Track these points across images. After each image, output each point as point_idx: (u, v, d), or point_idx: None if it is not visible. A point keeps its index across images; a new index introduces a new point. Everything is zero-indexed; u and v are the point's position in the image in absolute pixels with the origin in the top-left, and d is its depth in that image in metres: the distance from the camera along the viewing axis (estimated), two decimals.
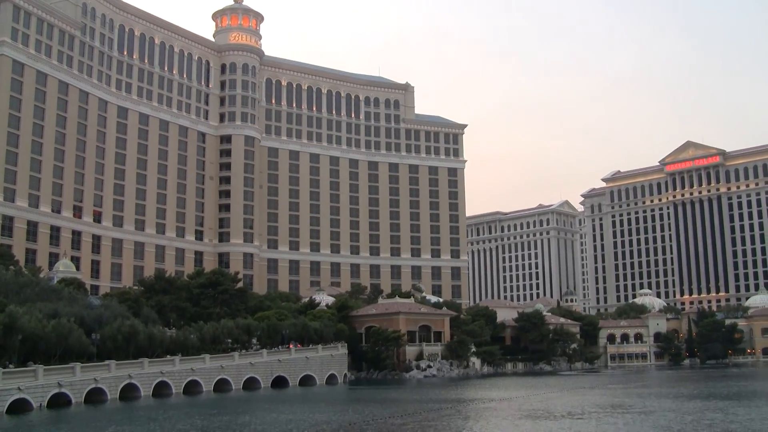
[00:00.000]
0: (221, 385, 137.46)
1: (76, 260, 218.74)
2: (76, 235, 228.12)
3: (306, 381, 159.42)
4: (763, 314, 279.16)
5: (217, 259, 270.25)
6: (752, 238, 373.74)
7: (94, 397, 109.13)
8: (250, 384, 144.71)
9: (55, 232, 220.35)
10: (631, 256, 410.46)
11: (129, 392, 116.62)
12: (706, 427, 62.88)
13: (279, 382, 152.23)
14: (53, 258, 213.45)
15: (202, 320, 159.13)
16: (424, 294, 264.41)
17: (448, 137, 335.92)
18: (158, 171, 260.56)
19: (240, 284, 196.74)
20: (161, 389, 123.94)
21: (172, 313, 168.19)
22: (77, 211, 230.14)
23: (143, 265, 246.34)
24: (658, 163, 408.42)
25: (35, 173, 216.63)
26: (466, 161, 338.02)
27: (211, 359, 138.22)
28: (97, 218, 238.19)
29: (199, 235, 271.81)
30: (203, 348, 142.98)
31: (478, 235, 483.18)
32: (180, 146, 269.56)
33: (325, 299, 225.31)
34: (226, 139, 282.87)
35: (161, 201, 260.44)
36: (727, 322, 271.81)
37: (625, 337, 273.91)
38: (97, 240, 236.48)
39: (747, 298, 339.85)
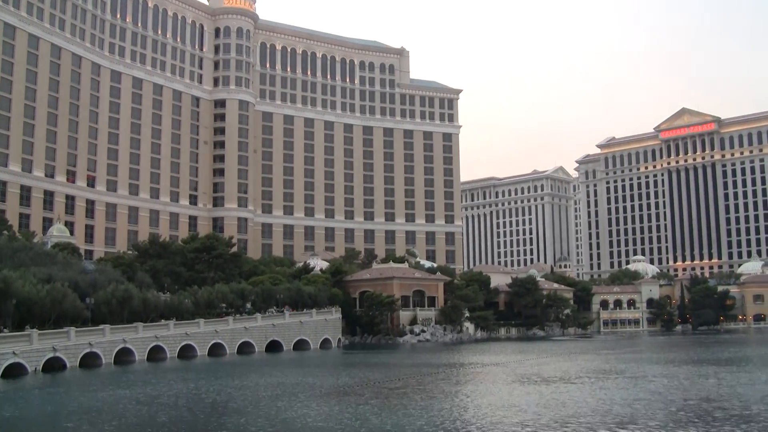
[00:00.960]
0: (215, 350, 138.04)
1: (70, 225, 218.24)
2: (70, 199, 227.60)
3: (300, 345, 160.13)
4: (755, 281, 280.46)
5: (211, 223, 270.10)
6: (745, 205, 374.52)
7: (89, 361, 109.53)
8: (245, 348, 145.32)
9: (48, 197, 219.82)
10: (625, 223, 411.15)
11: (123, 356, 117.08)
12: (696, 392, 63.34)
13: (273, 347, 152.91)
14: (47, 223, 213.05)
15: (196, 285, 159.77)
16: (418, 259, 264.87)
17: (443, 102, 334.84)
18: (152, 135, 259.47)
19: (234, 249, 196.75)
20: (156, 353, 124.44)
21: (166, 278, 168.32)
22: (71, 176, 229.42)
23: (137, 229, 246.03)
24: (653, 130, 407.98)
25: (28, 138, 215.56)
26: (461, 126, 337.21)
27: (206, 324, 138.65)
28: (91, 183, 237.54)
29: (193, 200, 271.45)
30: (198, 312, 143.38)
31: (473, 200, 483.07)
32: (174, 110, 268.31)
33: (319, 264, 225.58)
34: (221, 103, 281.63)
35: (155, 165, 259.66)
36: (720, 288, 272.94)
37: (618, 303, 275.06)
38: (91, 205, 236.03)
39: (739, 265, 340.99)
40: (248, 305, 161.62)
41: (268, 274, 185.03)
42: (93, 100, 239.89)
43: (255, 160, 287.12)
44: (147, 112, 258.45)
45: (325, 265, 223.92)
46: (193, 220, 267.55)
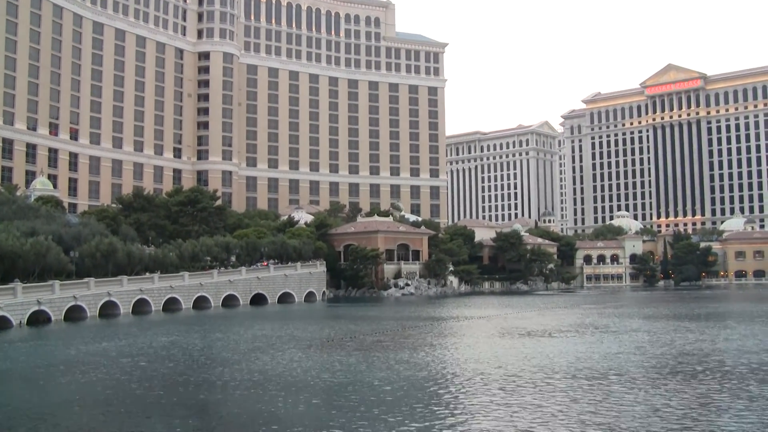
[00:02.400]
0: (200, 303, 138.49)
1: (53, 178, 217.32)
2: (53, 152, 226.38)
3: (284, 298, 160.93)
4: (737, 238, 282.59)
5: (195, 176, 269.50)
6: (729, 162, 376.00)
7: (74, 314, 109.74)
8: (229, 301, 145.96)
9: (31, 150, 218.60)
10: (609, 178, 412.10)
11: (108, 310, 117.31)
12: (677, 347, 64.14)
13: (257, 300, 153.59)
14: (30, 176, 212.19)
15: (180, 238, 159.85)
16: (402, 213, 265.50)
17: (428, 56, 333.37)
18: (135, 88, 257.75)
19: (218, 202, 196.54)
20: (140, 307, 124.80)
21: (150, 231, 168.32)
22: (53, 129, 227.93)
23: (121, 182, 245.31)
24: (639, 86, 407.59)
25: (9, 90, 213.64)
26: (446, 80, 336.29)
27: (190, 277, 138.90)
28: (74, 136, 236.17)
29: (177, 153, 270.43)
30: (182, 266, 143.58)
31: (458, 154, 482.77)
32: (157, 63, 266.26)
33: (303, 217, 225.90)
34: (205, 55, 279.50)
35: (139, 118, 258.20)
36: (702, 245, 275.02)
37: (601, 258, 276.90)
38: (74, 158, 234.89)
39: (722, 222, 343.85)
40: (233, 258, 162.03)
41: (253, 228, 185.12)
42: (75, 52, 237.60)
43: (239, 113, 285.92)
44: (130, 65, 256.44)
45: (309, 218, 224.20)
46: (177, 174, 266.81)
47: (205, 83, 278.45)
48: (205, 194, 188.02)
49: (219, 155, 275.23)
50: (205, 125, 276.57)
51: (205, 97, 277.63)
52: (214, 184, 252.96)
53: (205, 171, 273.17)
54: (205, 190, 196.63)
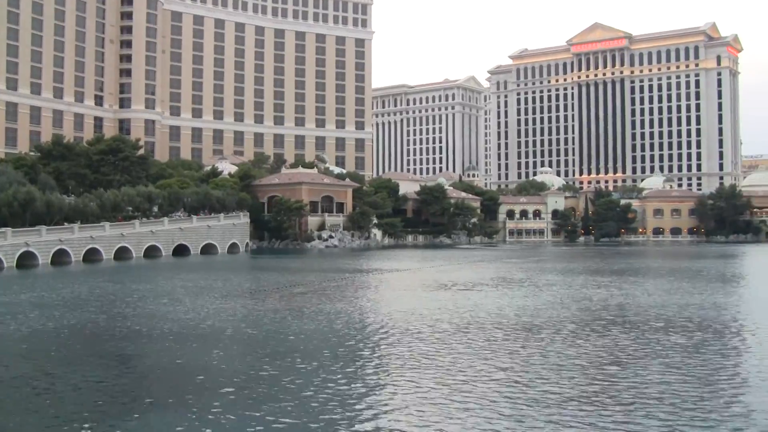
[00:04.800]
0: (122, 253, 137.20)
1: None
2: None
3: (207, 249, 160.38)
4: (656, 196, 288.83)
5: (117, 125, 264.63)
6: (651, 122, 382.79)
7: None
8: (151, 252, 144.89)
9: None
10: (534, 134, 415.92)
11: (26, 260, 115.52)
12: (594, 300, 65.70)
13: (180, 251, 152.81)
14: None
15: (102, 187, 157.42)
16: (327, 165, 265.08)
17: (356, 7, 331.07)
18: (55, 32, 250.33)
19: (141, 151, 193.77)
20: (60, 257, 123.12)
21: (70, 180, 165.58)
22: None
23: (40, 130, 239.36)
24: (565, 43, 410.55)
25: None
26: (374, 32, 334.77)
27: (112, 227, 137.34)
28: None
29: (98, 101, 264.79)
30: (103, 216, 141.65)
31: (384, 107, 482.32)
32: (78, 7, 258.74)
33: (227, 168, 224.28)
34: (127, 1, 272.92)
35: (59, 64, 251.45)
36: (622, 202, 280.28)
37: (524, 213, 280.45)
38: None
39: (642, 180, 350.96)
40: (155, 209, 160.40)
41: (176, 178, 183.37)
42: None
43: (163, 61, 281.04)
44: (49, 8, 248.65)
45: (233, 169, 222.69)
46: (98, 122, 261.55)
47: (128, 29, 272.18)
48: (128, 143, 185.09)
49: (142, 104, 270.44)
50: (127, 73, 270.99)
51: (128, 44, 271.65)
52: (137, 133, 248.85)
53: (127, 119, 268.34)
54: (128, 139, 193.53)
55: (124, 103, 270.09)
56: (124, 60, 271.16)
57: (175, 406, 29.93)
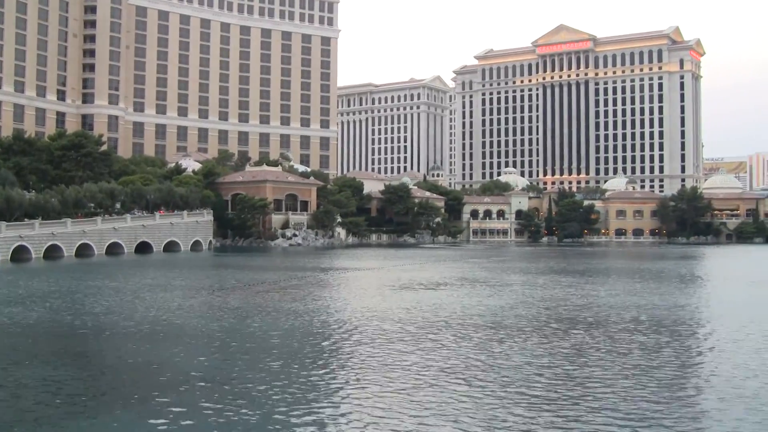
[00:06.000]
0: (83, 250, 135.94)
1: None
2: None
3: (170, 247, 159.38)
4: (619, 197, 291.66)
5: (80, 120, 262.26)
6: (614, 123, 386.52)
7: None
8: (113, 249, 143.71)
9: None
10: (499, 135, 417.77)
11: None
12: (557, 300, 66.04)
13: (143, 248, 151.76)
14: None
15: (63, 183, 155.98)
16: (292, 163, 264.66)
17: (323, 5, 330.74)
18: (17, 25, 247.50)
19: (104, 147, 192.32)
20: (20, 254, 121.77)
21: (31, 176, 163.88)
22: None
23: (0, 124, 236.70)
24: (531, 45, 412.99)
25: None
26: (340, 31, 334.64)
27: (73, 224, 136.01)
28: None
29: (61, 95, 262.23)
30: (65, 212, 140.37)
31: (349, 106, 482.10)
32: (41, 0, 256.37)
33: (191, 165, 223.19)
34: None
35: (20, 58, 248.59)
36: (585, 203, 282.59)
37: (488, 213, 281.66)
38: None
39: (605, 181, 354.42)
40: (118, 205, 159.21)
41: (139, 174, 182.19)
42: None
43: (127, 56, 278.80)
44: (11, 1, 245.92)
45: (197, 166, 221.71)
46: (60, 117, 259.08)
47: (91, 24, 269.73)
48: (90, 139, 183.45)
49: (105, 99, 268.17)
50: (91, 67, 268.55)
51: (91, 38, 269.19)
52: (100, 129, 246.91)
53: (90, 115, 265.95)
54: (90, 135, 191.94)
55: (87, 99, 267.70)
56: (87, 55, 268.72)
57: (135, 404, 29.62)
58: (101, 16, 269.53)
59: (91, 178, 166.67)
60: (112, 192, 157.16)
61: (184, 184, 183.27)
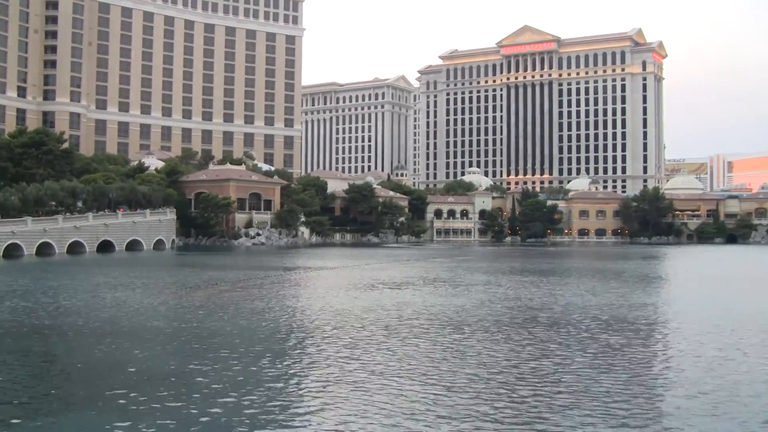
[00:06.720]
0: (44, 249, 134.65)
1: None
2: None
3: (133, 246, 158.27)
4: (582, 197, 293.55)
5: (41, 117, 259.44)
6: (578, 124, 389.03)
7: None
8: (75, 248, 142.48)
9: None
10: (463, 135, 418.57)
11: None
12: (521, 300, 66.41)
13: (105, 247, 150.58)
14: None
15: (24, 181, 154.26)
16: (255, 162, 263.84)
17: (287, 4, 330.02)
18: None
19: (66, 145, 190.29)
20: None
21: None
22: None
23: None
24: (495, 45, 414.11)
25: None
26: (305, 29, 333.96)
27: (33, 222, 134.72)
28: None
29: (21, 92, 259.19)
30: (25, 210, 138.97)
31: (314, 105, 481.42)
32: None
33: (154, 163, 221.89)
34: None
35: None
36: (549, 203, 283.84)
37: (451, 213, 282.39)
38: None
39: (568, 182, 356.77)
40: (79, 204, 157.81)
41: (101, 173, 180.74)
42: None
43: (90, 53, 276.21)
44: None
45: (160, 164, 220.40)
46: (21, 114, 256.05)
47: (53, 20, 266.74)
48: (51, 136, 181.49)
49: (67, 96, 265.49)
50: (52, 64, 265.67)
51: (53, 35, 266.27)
52: (61, 126, 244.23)
53: (51, 112, 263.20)
54: (52, 132, 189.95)
55: (48, 95, 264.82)
56: (48, 51, 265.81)
57: (95, 405, 29.39)
58: (63, 12, 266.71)
59: (53, 176, 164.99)
60: (74, 190, 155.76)
61: (147, 182, 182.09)
